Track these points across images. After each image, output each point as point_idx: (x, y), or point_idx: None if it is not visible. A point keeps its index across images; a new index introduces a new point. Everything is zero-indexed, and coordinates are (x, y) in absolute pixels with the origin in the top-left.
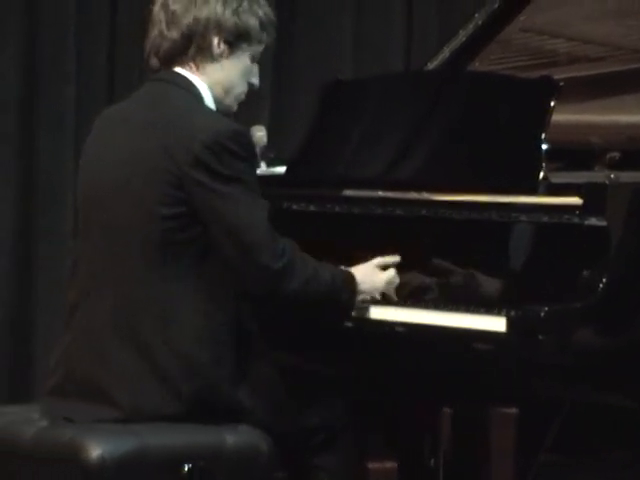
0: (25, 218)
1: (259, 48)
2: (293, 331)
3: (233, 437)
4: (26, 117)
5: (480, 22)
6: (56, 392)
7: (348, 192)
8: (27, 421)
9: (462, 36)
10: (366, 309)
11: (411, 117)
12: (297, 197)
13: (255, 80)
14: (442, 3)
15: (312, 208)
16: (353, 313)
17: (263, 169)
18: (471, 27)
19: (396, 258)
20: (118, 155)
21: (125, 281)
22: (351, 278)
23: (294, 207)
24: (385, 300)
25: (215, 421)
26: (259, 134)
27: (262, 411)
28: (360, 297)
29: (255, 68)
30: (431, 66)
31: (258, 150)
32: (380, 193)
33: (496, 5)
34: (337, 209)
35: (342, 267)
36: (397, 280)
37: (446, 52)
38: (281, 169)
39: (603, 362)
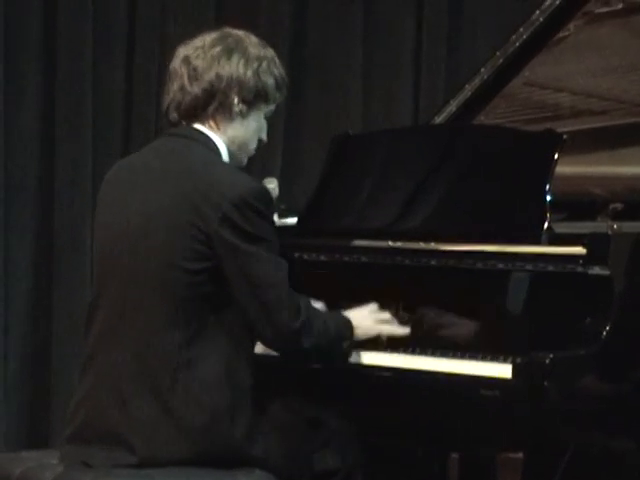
0: (43, 267)
1: (273, 107)
2: (303, 378)
3: None
4: (44, 165)
5: (485, 77)
6: (75, 439)
7: (357, 242)
8: (46, 466)
9: (468, 90)
10: (375, 356)
11: (418, 169)
12: (308, 247)
13: (264, 136)
14: (449, 58)
15: (322, 258)
16: (363, 360)
17: (275, 220)
18: (477, 81)
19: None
20: (139, 207)
21: (144, 330)
22: (350, 325)
23: (305, 257)
24: (379, 344)
25: (230, 466)
26: (271, 186)
27: (276, 457)
28: (355, 341)
29: (265, 124)
30: (438, 120)
31: None
32: (389, 243)
33: (501, 60)
34: (347, 259)
35: (339, 312)
36: (392, 326)
37: (453, 106)
38: (292, 220)
39: (607, 408)
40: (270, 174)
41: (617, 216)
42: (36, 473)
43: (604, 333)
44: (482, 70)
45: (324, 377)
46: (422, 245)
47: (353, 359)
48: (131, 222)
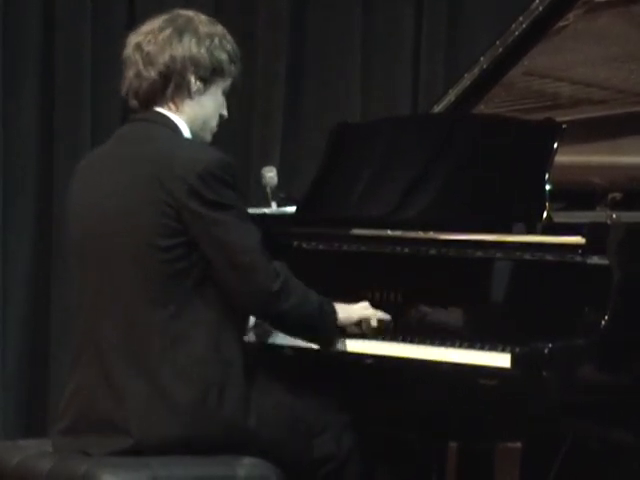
0: (41, 265)
1: (229, 82)
2: (301, 364)
3: (244, 469)
4: (43, 166)
5: (485, 66)
6: (69, 431)
7: (356, 231)
8: (43, 455)
9: (467, 79)
10: (374, 344)
11: (417, 158)
12: (307, 236)
13: (224, 112)
14: (449, 47)
15: (321, 247)
16: (361, 348)
17: (274, 209)
18: (476, 71)
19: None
20: (111, 190)
21: (128, 311)
22: (332, 306)
23: (304, 246)
24: (361, 333)
25: (224, 450)
26: (270, 174)
27: (271, 440)
28: (337, 324)
29: (224, 100)
30: (437, 109)
31: (269, 190)
32: (388, 232)
33: (500, 49)
34: (346, 248)
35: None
36: (373, 314)
37: (452, 95)
38: (291, 209)
39: (606, 398)
40: (269, 163)
41: (616, 205)
42: (34, 461)
43: (603, 323)
44: (482, 59)
45: (322, 365)
46: (421, 234)
47: (351, 347)
48: (105, 208)
